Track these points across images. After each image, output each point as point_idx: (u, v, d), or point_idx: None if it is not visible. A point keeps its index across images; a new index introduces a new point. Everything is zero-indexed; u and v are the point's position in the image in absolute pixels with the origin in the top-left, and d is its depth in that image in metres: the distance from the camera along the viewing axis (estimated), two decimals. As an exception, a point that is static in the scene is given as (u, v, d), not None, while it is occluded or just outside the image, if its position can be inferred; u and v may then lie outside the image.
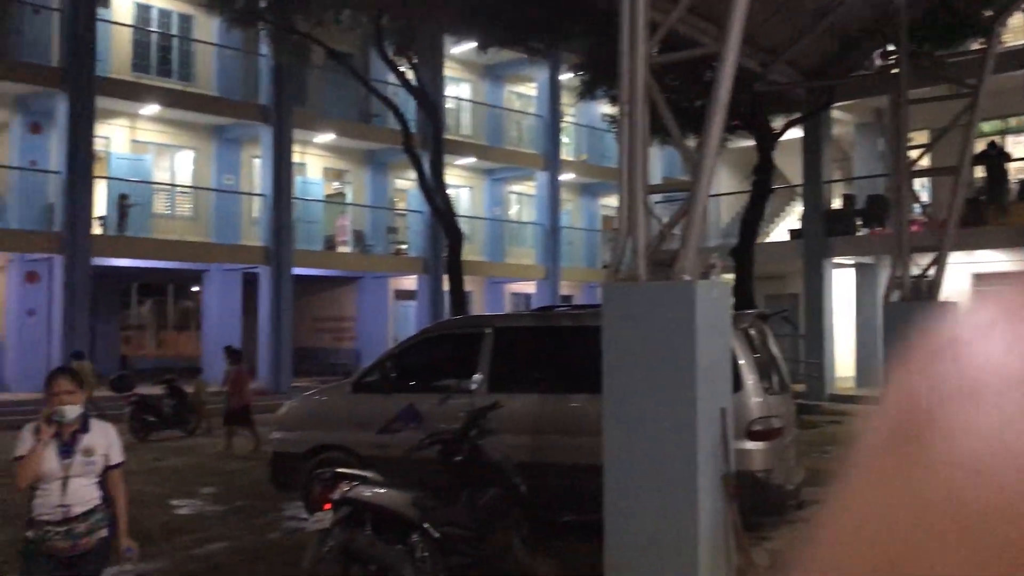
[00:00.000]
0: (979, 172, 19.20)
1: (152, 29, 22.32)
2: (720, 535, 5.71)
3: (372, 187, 26.24)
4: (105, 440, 4.55)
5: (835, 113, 21.16)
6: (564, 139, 29.93)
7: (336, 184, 26.34)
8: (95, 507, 4.45)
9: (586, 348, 7.13)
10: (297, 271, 22.50)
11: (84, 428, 4.48)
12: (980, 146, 17.92)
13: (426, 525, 6.00)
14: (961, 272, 18.98)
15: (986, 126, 18.46)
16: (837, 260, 21.42)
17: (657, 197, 19.54)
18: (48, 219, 19.31)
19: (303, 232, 23.11)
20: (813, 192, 21.33)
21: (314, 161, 25.16)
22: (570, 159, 30.08)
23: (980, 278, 20.27)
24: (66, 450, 4.41)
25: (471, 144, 27.02)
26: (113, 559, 4.74)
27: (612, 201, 31.84)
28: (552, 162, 28.44)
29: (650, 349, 5.62)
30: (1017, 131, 19.70)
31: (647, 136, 6.10)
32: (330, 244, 24.60)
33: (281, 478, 8.90)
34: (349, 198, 26.12)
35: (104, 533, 4.50)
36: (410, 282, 26.05)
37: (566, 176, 29.27)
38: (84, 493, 4.42)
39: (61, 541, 4.34)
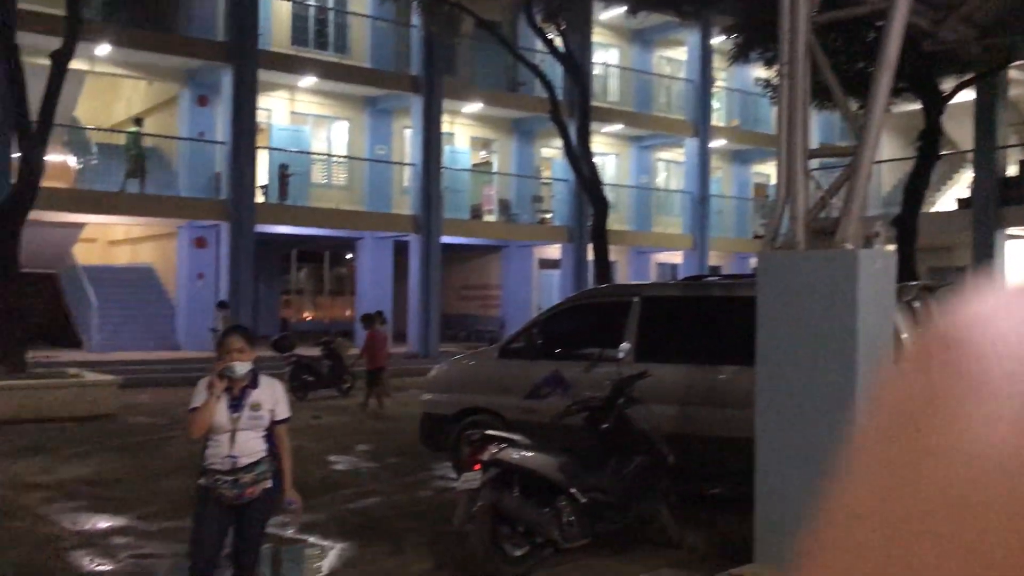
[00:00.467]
0: None
1: (310, 3, 23.09)
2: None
3: (518, 156, 26.39)
4: (272, 396, 4.78)
5: (1012, 73, 19.72)
6: (715, 104, 29.14)
7: (483, 153, 26.64)
8: (260, 459, 4.68)
9: (737, 319, 6.96)
10: (445, 239, 22.96)
11: (253, 384, 4.72)
12: None
13: (573, 490, 6.03)
14: None
15: None
16: (1011, 231, 20.05)
17: (814, 164, 18.77)
18: (215, 188, 20.42)
19: (451, 201, 23.53)
20: (986, 158, 20.00)
21: (462, 130, 25.51)
22: (721, 125, 29.29)
23: None
24: (235, 404, 4.65)
25: (619, 111, 26.71)
26: (277, 510, 4.99)
27: (764, 169, 30.90)
28: (702, 128, 27.77)
29: (808, 321, 5.42)
30: None
31: (807, 98, 5.84)
32: (476, 213, 24.95)
33: (431, 438, 9.15)
34: (495, 167, 26.38)
35: (268, 484, 4.73)
36: (554, 251, 26.13)
37: (716, 143, 28.52)
38: (251, 445, 4.66)
39: (228, 489, 4.59)
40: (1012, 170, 20.71)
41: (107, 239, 24.14)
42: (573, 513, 5.99)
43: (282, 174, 21.32)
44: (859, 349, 5.24)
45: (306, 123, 23.13)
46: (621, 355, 7.46)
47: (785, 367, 5.57)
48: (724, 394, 7.25)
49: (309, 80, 21.82)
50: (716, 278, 8.48)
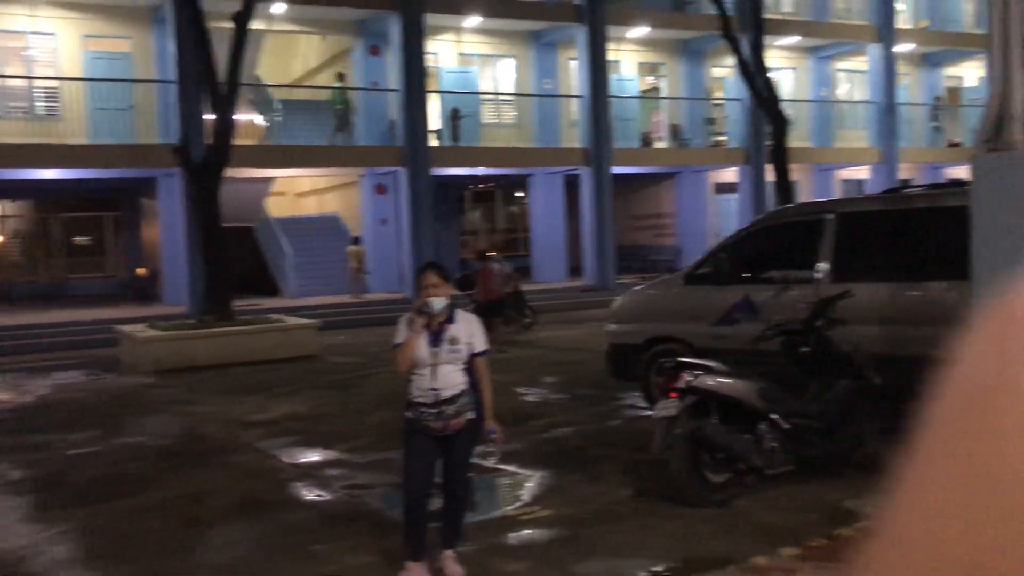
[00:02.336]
0: None
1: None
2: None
3: (688, 79, 25.58)
4: (468, 330, 4.87)
5: None
6: (899, 6, 27.08)
7: (650, 79, 25.99)
8: (462, 391, 4.80)
9: (945, 231, 6.51)
10: (616, 170, 22.69)
11: (450, 319, 4.83)
12: None
13: (775, 416, 5.88)
14: None
15: None
16: None
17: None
18: (391, 135, 20.98)
19: (620, 130, 23.17)
20: None
21: (628, 57, 24.95)
22: (907, 27, 27.23)
23: None
24: (435, 339, 4.78)
25: (794, 21, 25.33)
26: (480, 440, 5.13)
27: (958, 71, 28.62)
28: (886, 32, 25.92)
29: (1033, 226, 4.97)
30: None
31: (1025, -19, 5.27)
32: (646, 140, 24.47)
33: (618, 369, 9.15)
34: (664, 92, 25.69)
35: (471, 415, 4.86)
36: (730, 175, 25.32)
37: (902, 47, 26.57)
38: (452, 378, 4.78)
39: (433, 421, 4.74)
40: None
41: (294, 191, 25.38)
42: (775, 439, 5.85)
43: (453, 117, 21.63)
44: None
45: (473, 64, 23.29)
46: (818, 276, 7.14)
47: (1004, 278, 5.14)
48: (933, 311, 6.82)
49: (474, 20, 21.89)
50: (920, 187, 7.92)
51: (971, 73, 29.07)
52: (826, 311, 6.42)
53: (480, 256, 15.29)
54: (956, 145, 27.51)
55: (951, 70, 29.01)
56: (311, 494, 6.70)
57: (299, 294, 20.52)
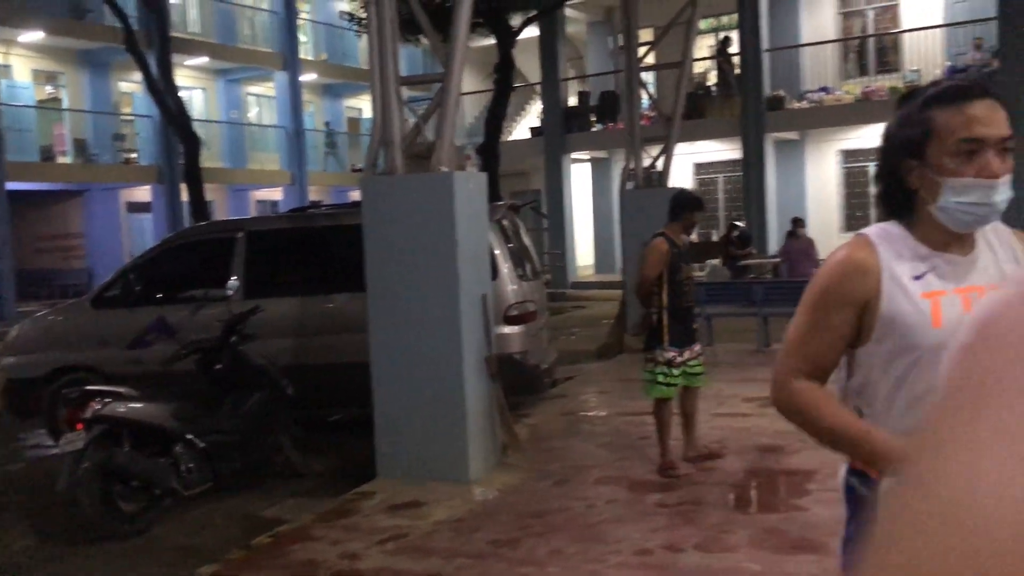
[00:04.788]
0: (702, 65, 20.66)
1: None
2: (486, 415, 6.01)
3: (93, 91, 23.98)
4: None
5: (568, 12, 21.81)
6: (302, 37, 28.73)
7: (49, 88, 23.82)
8: None
9: (345, 247, 7.09)
10: (11, 186, 20.33)
11: None
12: (707, 42, 19.26)
13: (189, 436, 5.84)
14: (685, 162, 20.54)
15: (703, 24, 19.77)
16: (575, 155, 22.43)
17: (406, 97, 19.35)
18: None
19: (14, 142, 20.82)
20: (550, 90, 22.04)
21: (21, 63, 22.56)
22: (310, 58, 28.99)
23: (701, 167, 22.04)
24: None
25: (202, 42, 25.29)
26: None
27: (357, 103, 31.26)
28: (291, 61, 27.29)
29: (412, 241, 5.70)
30: (728, 28, 21.26)
31: (396, 28, 6.03)
32: (48, 155, 22.37)
33: (17, 406, 8.24)
34: (66, 103, 23.76)
35: None
36: (144, 193, 24.37)
37: (307, 76, 28.22)
38: None
39: None
40: (572, 100, 23.08)
41: None
42: (192, 459, 5.80)
43: None
44: (459, 264, 5.63)
45: None
46: (230, 293, 7.26)
47: (394, 287, 5.82)
48: (338, 321, 7.39)
49: None
50: (322, 208, 8.53)
51: (368, 105, 32.02)
52: (239, 327, 6.56)
53: None
54: (359, 170, 30.07)
55: (351, 101, 31.57)
56: None
57: None
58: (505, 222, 8.02)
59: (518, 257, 7.94)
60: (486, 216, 6.29)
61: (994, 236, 1.89)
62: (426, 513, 5.36)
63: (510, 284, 7.42)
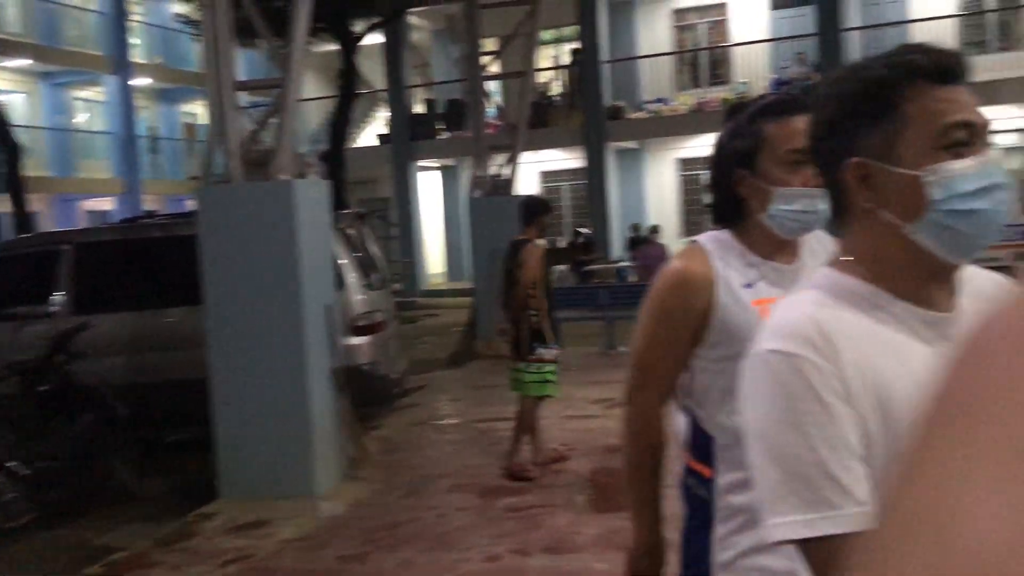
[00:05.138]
0: (547, 75, 21.05)
1: None
2: (332, 428, 5.89)
3: None
4: None
5: (412, 19, 21.76)
6: (135, 40, 27.43)
7: None
8: None
9: (181, 258, 6.80)
10: None
11: None
12: (554, 53, 19.64)
13: (11, 464, 5.45)
14: (531, 170, 20.88)
15: (546, 35, 20.17)
16: (422, 163, 22.39)
17: (244, 103, 18.76)
18: None
19: None
20: (396, 97, 21.94)
21: None
22: (143, 62, 27.71)
23: (547, 175, 22.45)
24: None
25: (22, 43, 23.74)
26: None
27: (193, 108, 30.12)
28: (121, 65, 26.01)
29: (251, 252, 5.52)
30: (570, 39, 21.77)
31: (232, 31, 5.84)
32: None
33: None
34: None
35: None
36: (-42, 204, 22.62)
37: (140, 81, 26.96)
38: None
39: None
40: (419, 108, 23.03)
41: None
42: (15, 489, 5.42)
43: None
44: (302, 274, 5.50)
45: None
46: (55, 309, 6.82)
47: (233, 300, 5.62)
48: (176, 337, 7.07)
49: None
50: (156, 219, 8.15)
51: (205, 111, 30.89)
52: (65, 345, 6.18)
53: None
54: (197, 178, 28.93)
55: (187, 107, 30.37)
56: None
57: None
58: (351, 231, 7.90)
59: (365, 266, 7.84)
60: (329, 225, 6.18)
61: (817, 244, 1.99)
62: (272, 532, 5.20)
63: (357, 294, 7.31)
